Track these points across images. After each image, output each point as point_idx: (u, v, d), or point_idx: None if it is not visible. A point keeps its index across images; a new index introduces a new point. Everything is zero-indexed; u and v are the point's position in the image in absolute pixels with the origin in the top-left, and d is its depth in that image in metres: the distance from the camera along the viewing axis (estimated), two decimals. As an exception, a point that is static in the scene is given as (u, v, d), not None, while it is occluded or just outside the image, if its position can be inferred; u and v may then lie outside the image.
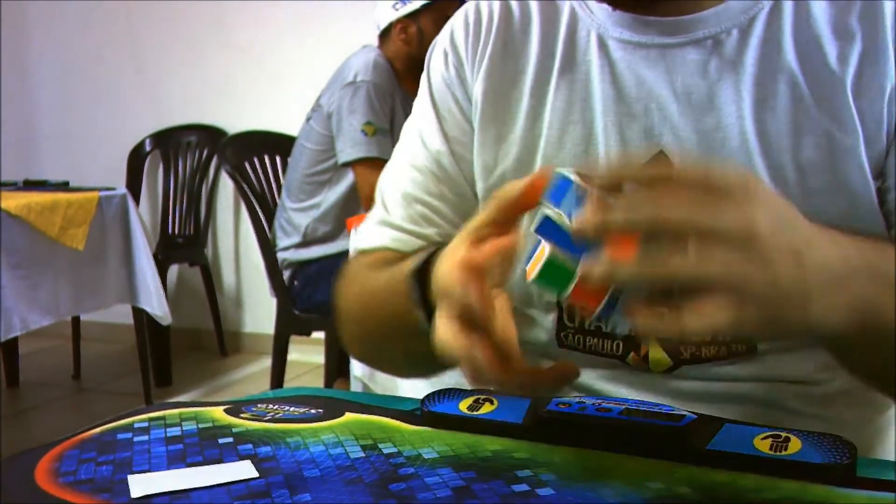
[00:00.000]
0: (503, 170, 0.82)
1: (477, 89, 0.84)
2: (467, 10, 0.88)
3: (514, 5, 0.85)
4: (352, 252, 0.92)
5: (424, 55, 0.93)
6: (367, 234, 0.90)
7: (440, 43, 0.89)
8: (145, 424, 0.70)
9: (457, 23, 0.88)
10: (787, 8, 0.75)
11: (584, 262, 0.51)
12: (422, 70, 0.91)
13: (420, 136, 0.88)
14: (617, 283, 0.51)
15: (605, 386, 0.80)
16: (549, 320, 0.82)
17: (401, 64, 2.61)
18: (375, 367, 0.89)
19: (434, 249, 0.69)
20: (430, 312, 0.64)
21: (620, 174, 0.53)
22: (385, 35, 2.63)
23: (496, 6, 0.86)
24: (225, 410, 0.73)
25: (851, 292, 0.54)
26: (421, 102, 0.89)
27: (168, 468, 0.60)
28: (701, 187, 0.50)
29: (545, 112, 0.81)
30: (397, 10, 2.58)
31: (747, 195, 0.51)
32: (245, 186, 2.80)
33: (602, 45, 0.79)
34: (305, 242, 2.64)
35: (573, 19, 0.82)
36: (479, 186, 0.85)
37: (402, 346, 0.79)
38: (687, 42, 0.76)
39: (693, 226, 0.49)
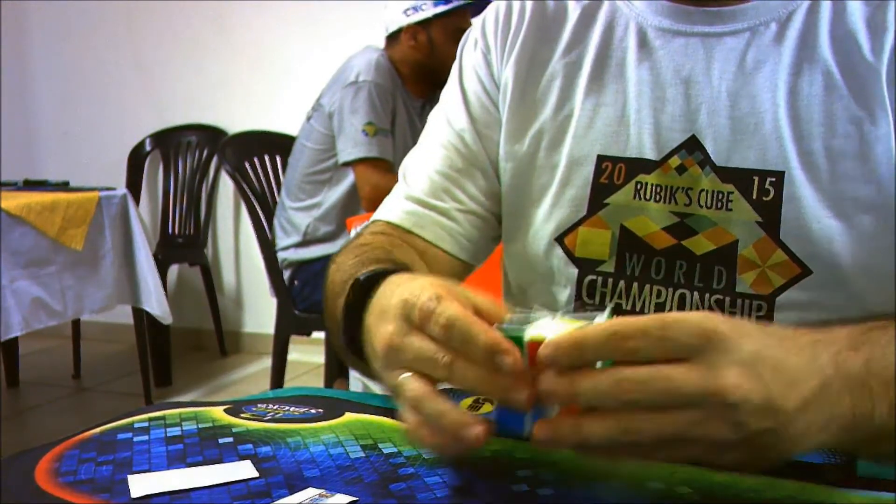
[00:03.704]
0: (533, 151, 0.85)
1: (507, 74, 0.87)
2: (499, 4, 0.91)
3: (550, 2, 0.88)
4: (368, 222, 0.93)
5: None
6: (384, 207, 0.92)
7: (472, 32, 0.93)
8: (145, 424, 0.70)
9: (489, 13, 0.92)
10: (826, 6, 0.78)
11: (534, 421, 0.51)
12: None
13: (446, 116, 0.91)
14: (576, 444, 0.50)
15: None
16: (566, 296, 0.83)
17: (406, 68, 2.60)
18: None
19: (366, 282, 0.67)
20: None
21: (580, 349, 0.49)
22: (393, 38, 2.62)
23: (529, 2, 0.89)
24: (225, 410, 0.73)
25: (829, 412, 0.52)
26: (449, 87, 0.93)
27: (168, 468, 0.60)
28: (661, 350, 0.49)
29: (576, 93, 0.83)
30: (408, 15, 2.57)
31: (710, 349, 0.49)
32: (245, 186, 2.79)
33: (640, 33, 0.82)
34: (305, 242, 2.63)
35: (612, 11, 0.85)
36: (507, 167, 0.87)
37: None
38: (726, 32, 0.79)
39: (657, 398, 0.48)
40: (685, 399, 0.48)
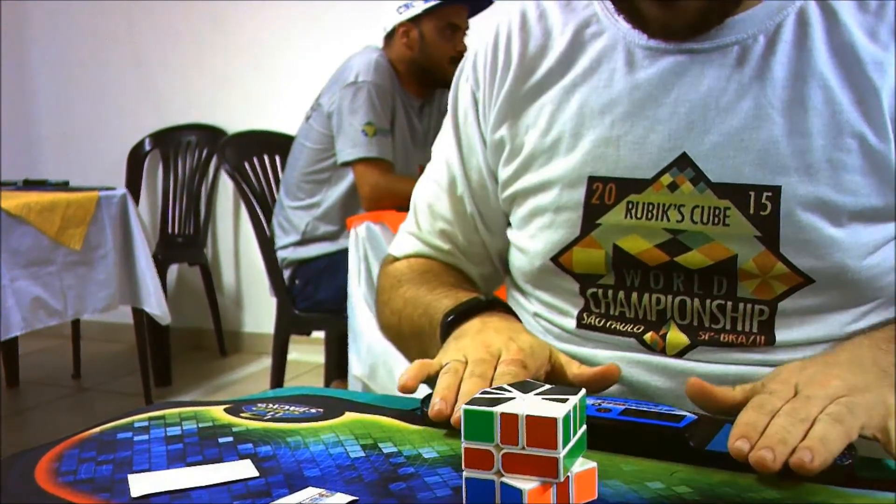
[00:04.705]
0: (525, 175, 0.86)
1: (496, 119, 0.89)
2: (487, 40, 0.91)
3: (534, 22, 0.88)
4: (386, 254, 1.03)
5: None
6: (398, 242, 1.00)
7: (465, 64, 0.94)
8: (145, 424, 0.70)
9: (480, 48, 0.92)
10: (815, 14, 0.76)
11: None
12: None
13: (445, 156, 0.95)
14: None
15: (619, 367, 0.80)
16: (572, 305, 0.84)
17: (403, 67, 2.61)
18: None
19: (469, 305, 0.80)
20: None
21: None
22: (389, 37, 2.63)
23: (515, 27, 0.88)
24: (225, 410, 0.73)
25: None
26: (446, 123, 0.96)
27: (168, 467, 0.60)
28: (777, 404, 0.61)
29: (566, 116, 0.83)
30: (400, 13, 2.58)
31: (810, 382, 0.63)
32: (245, 186, 2.80)
33: (628, 53, 0.82)
34: (304, 241, 2.64)
35: (599, 32, 0.84)
36: (504, 194, 0.89)
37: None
38: (713, 48, 0.78)
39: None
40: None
